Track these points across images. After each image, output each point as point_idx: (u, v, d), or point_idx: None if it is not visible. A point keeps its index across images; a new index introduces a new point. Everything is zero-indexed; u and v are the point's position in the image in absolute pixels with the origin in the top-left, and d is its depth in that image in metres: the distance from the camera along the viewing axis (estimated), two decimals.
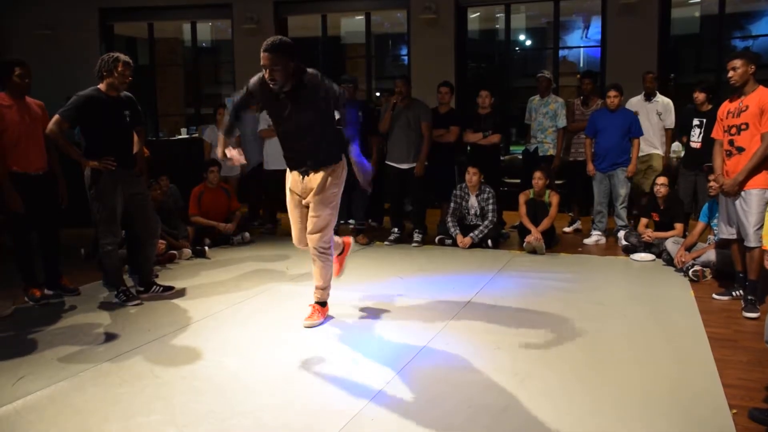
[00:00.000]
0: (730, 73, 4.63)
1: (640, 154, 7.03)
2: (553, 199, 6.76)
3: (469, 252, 6.66)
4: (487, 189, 6.86)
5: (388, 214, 7.86)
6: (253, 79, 4.13)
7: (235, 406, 3.19)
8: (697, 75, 12.61)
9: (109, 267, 5.02)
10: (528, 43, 15.95)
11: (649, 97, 7.29)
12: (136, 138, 5.08)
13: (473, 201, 6.89)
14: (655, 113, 7.22)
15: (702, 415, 3.06)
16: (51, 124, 4.69)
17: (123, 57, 4.81)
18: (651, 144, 7.22)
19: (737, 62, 4.59)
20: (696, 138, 6.40)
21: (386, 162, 7.12)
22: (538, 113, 7.58)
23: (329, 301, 4.56)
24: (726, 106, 4.81)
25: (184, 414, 3.11)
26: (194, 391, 3.38)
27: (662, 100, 7.28)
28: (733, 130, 4.66)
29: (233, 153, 4.21)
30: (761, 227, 4.53)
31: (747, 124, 4.56)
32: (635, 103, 7.35)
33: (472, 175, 6.77)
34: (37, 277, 5.10)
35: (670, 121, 7.26)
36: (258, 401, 3.25)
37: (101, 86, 4.80)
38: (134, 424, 3.01)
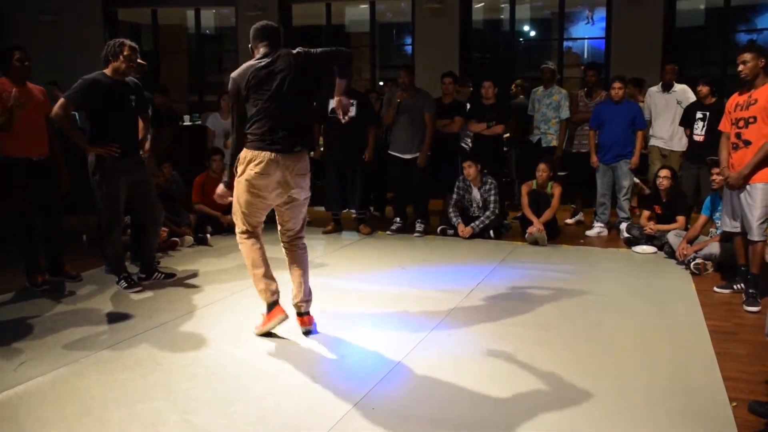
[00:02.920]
0: (740, 67, 4.60)
1: (652, 144, 7.02)
2: (556, 190, 6.75)
3: (471, 243, 6.66)
4: (489, 180, 6.85)
5: (390, 203, 7.86)
6: None
7: (238, 393, 3.20)
8: (701, 68, 12.55)
9: (112, 253, 5.02)
10: (532, 33, 15.88)
11: (667, 88, 7.24)
12: (141, 124, 5.09)
13: (476, 193, 6.88)
14: (675, 103, 7.14)
15: (702, 408, 3.07)
16: (56, 108, 4.68)
17: (129, 42, 4.81)
18: (670, 140, 7.18)
19: (747, 56, 4.57)
20: (699, 131, 6.37)
21: (389, 152, 7.11)
22: (542, 104, 7.56)
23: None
24: (735, 99, 4.79)
25: (187, 401, 3.12)
26: (196, 378, 3.39)
27: (680, 89, 7.23)
28: (741, 123, 4.64)
29: None
30: (765, 221, 4.53)
31: (755, 118, 4.54)
32: (653, 92, 7.32)
33: (468, 168, 6.75)
34: (39, 263, 5.10)
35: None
36: (260, 389, 3.26)
37: (107, 71, 4.79)
38: (136, 411, 3.02)
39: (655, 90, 7.34)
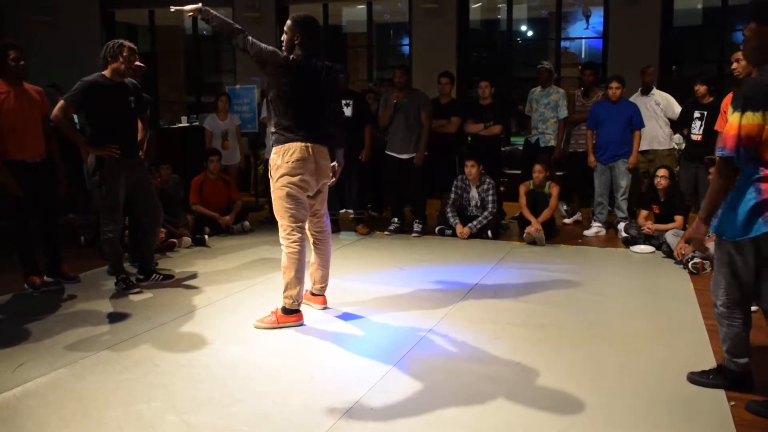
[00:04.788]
0: (734, 65, 4.61)
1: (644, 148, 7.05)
2: (554, 190, 6.75)
3: (469, 242, 6.66)
4: (487, 180, 6.85)
5: (388, 204, 7.86)
6: None
7: (235, 394, 3.20)
8: (699, 66, 12.56)
9: (110, 254, 5.01)
10: (530, 33, 15.88)
11: (646, 92, 7.26)
12: (140, 125, 5.09)
13: (474, 193, 6.89)
14: (654, 104, 7.18)
15: (700, 407, 3.08)
16: (56, 110, 4.67)
17: (127, 43, 4.82)
18: (653, 140, 7.21)
19: (741, 54, 4.57)
20: (697, 130, 6.37)
21: (386, 152, 7.11)
22: (540, 104, 7.56)
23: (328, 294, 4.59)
24: (730, 98, 4.78)
25: (185, 401, 3.12)
26: (194, 378, 3.39)
27: (659, 94, 7.27)
28: None
29: None
30: None
31: None
32: (634, 98, 7.33)
33: (470, 168, 6.76)
34: (37, 264, 5.09)
35: (672, 112, 7.21)
36: (258, 389, 3.26)
37: (105, 72, 4.79)
38: (134, 411, 3.02)
39: (635, 96, 7.35)
